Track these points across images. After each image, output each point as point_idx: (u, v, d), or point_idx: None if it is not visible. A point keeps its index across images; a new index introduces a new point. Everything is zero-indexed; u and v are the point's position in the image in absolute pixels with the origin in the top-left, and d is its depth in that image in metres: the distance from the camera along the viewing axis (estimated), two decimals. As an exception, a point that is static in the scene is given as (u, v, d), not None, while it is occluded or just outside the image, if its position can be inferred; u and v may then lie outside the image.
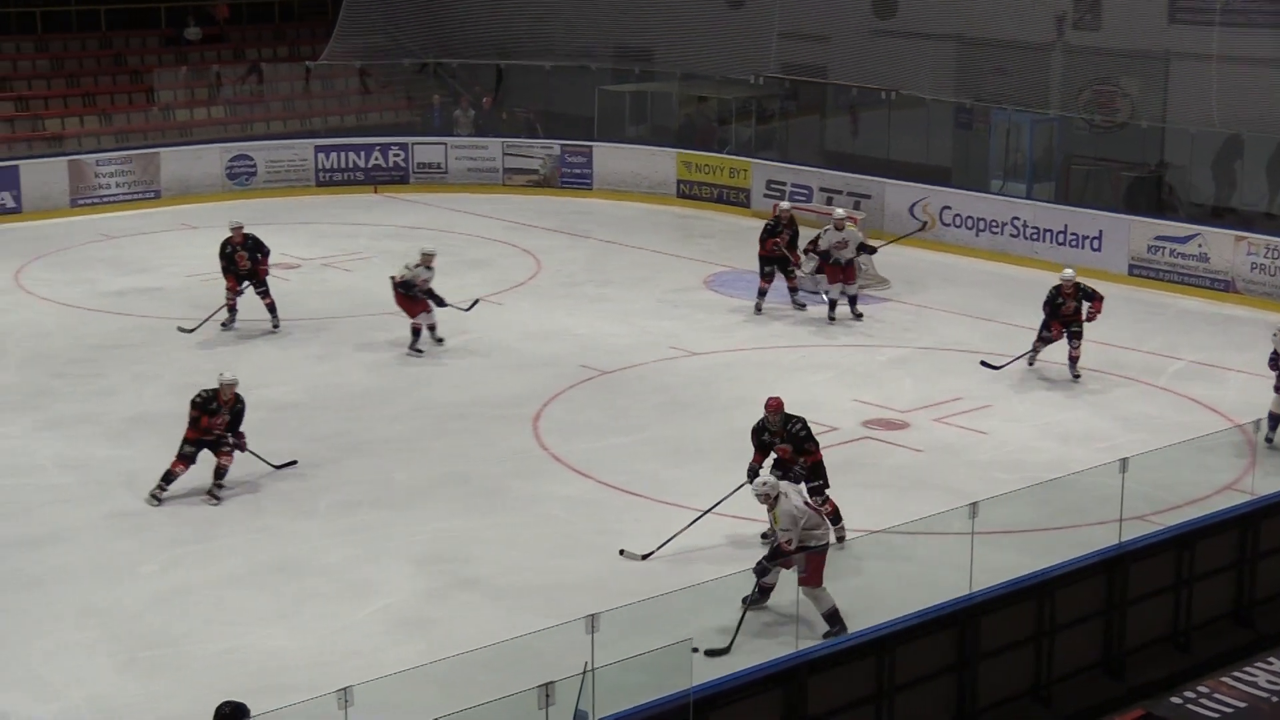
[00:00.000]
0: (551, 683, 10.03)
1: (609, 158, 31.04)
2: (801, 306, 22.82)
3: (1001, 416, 18.63)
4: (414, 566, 14.52)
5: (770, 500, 13.03)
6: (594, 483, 16.57)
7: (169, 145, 30.78)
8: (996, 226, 26.57)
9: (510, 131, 32.64)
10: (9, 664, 12.60)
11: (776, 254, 22.61)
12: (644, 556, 14.75)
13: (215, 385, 16.15)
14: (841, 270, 22.51)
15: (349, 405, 18.84)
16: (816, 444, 14.81)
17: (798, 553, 12.67)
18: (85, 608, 13.62)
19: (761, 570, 12.96)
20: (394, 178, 31.38)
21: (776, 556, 12.89)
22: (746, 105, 31.79)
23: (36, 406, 18.64)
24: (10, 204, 28.36)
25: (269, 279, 21.63)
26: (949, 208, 26.97)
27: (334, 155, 31.36)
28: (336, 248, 26.48)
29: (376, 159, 31.37)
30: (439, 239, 27.33)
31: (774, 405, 14.86)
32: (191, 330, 21.07)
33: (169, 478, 15.82)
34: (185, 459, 15.90)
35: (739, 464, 16.94)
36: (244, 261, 21.36)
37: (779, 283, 22.79)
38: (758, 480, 13.37)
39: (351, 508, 15.88)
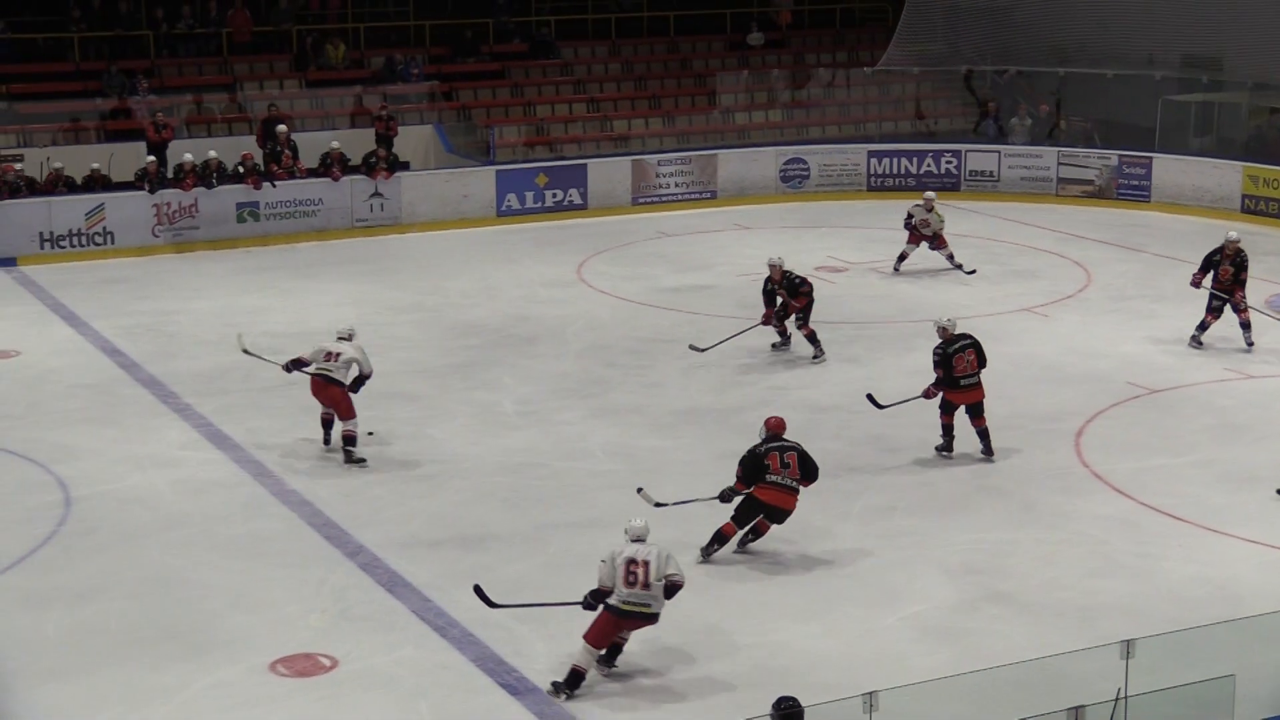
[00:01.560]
0: (1082, 706, 9.77)
1: (1169, 169, 29.95)
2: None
3: None
4: (946, 576, 14.42)
5: None
6: (1135, 503, 16.03)
7: (727, 147, 31.63)
8: None
9: (1067, 141, 31.97)
10: (554, 639, 13.09)
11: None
12: (656, 504, 14.79)
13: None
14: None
15: (887, 410, 18.83)
16: None
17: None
18: (626, 591, 14.11)
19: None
20: (945, 184, 31.21)
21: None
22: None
23: (591, 394, 19.47)
24: (577, 200, 29.77)
25: (805, 310, 20.69)
26: None
27: (886, 160, 31.49)
28: (884, 253, 26.54)
29: (929, 165, 31.30)
30: (988, 248, 27.08)
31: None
32: (704, 350, 20.78)
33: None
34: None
35: (1295, 495, 16.16)
36: (782, 295, 20.77)
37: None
38: None
39: (887, 512, 15.91)
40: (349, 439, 17.28)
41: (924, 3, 32.69)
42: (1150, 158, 30.30)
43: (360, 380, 17.41)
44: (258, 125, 29.37)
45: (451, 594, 13.98)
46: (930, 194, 25.93)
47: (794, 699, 9.97)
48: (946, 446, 17.38)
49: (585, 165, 30.20)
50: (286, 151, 27.98)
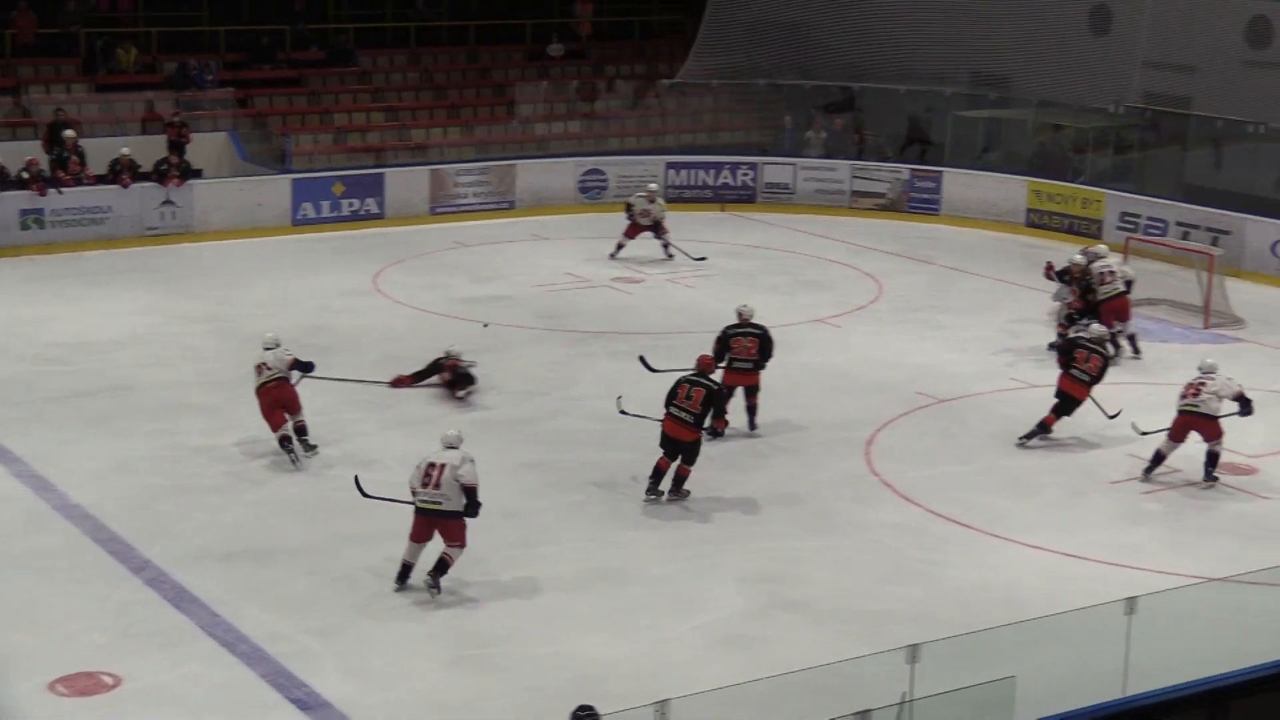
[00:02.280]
0: (869, 710, 9.93)
1: (958, 184, 30.64)
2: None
3: (1361, 468, 17.73)
4: (739, 584, 14.57)
5: None
6: (924, 511, 16.36)
7: (526, 158, 31.61)
8: (1367, 268, 25.33)
9: (860, 154, 32.53)
10: (345, 653, 13.09)
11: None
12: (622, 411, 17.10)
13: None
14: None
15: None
16: None
17: None
18: (420, 603, 14.04)
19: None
20: (741, 196, 31.57)
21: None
22: (1104, 135, 30.99)
23: (386, 406, 19.31)
24: (374, 209, 29.52)
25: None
26: (1316, 247, 25.79)
27: (684, 172, 31.73)
28: (681, 264, 26.76)
29: (725, 177, 31.61)
30: (780, 258, 27.44)
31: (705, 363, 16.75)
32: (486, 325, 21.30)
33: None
34: None
35: (1079, 500, 16.66)
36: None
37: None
38: None
39: (682, 522, 16.02)
40: (301, 429, 17.45)
41: (722, 17, 33.01)
42: (940, 172, 30.97)
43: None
44: (43, 130, 28.59)
45: (241, 608, 13.77)
46: (653, 186, 27.58)
47: (591, 707, 10.01)
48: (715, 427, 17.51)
49: (383, 174, 29.95)
50: (74, 157, 27.30)
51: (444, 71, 34.69)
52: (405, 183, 29.89)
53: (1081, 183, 29.80)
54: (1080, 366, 18.24)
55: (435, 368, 20.03)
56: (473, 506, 14.08)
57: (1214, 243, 25.84)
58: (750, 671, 12.28)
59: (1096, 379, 18.28)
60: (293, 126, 31.54)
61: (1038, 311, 24.02)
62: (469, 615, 13.86)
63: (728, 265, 26.84)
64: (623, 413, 17.34)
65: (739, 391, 18.33)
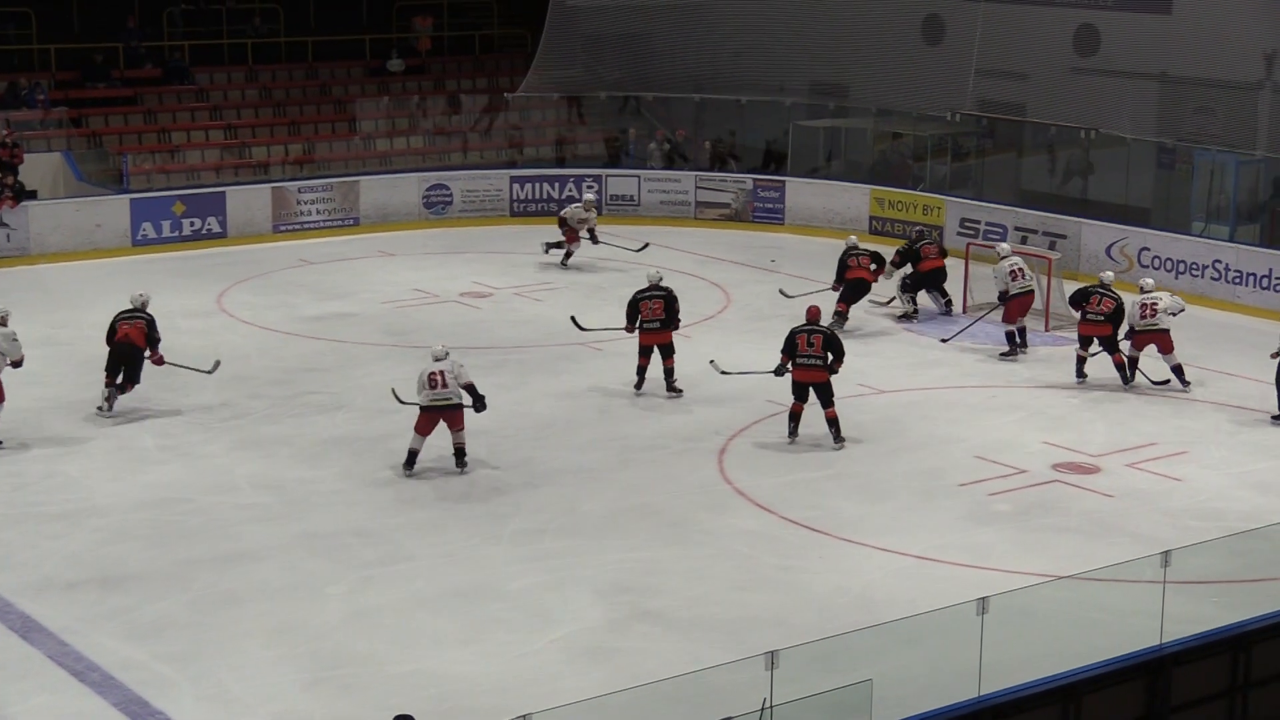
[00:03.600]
0: (730, 718, 10.00)
1: (801, 193, 30.98)
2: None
3: (1197, 464, 18.19)
4: (597, 596, 14.59)
5: None
6: (778, 518, 16.50)
7: (369, 174, 31.40)
8: (1197, 269, 25.99)
9: (704, 165, 32.76)
10: (201, 678, 12.90)
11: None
12: (722, 372, 19.79)
13: None
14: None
15: (536, 434, 19.01)
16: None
17: None
18: (276, 625, 13.90)
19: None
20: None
21: None
22: (942, 142, 31.52)
23: (235, 427, 19.07)
24: (216, 229, 29.14)
25: None
26: (1148, 249, 26.44)
27: (529, 186, 31.72)
28: (528, 278, 26.75)
29: (570, 190, 31.64)
30: (629, 271, 27.53)
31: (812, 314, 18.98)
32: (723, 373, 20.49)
33: None
34: None
35: (928, 503, 16.92)
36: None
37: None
38: None
39: (537, 535, 16.01)
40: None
41: (563, 30, 33.06)
42: (784, 181, 31.28)
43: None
44: None
45: (90, 637, 13.51)
46: (590, 196, 28.72)
47: (410, 717, 9.98)
48: (639, 385, 20.33)
49: (224, 193, 29.57)
50: (-98, 180, 26.62)
51: (283, 88, 34.35)
52: (247, 201, 29.54)
53: (922, 190, 30.28)
54: (1094, 309, 20.66)
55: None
56: (479, 400, 17.84)
57: (1051, 246, 26.38)
58: (611, 683, 12.30)
59: (1111, 317, 20.61)
60: (129, 146, 31.04)
61: (885, 319, 24.36)
62: (326, 636, 13.73)
63: (575, 278, 26.88)
64: (723, 373, 20.12)
65: (655, 355, 20.33)
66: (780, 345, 18.94)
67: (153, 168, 30.78)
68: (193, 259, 27.95)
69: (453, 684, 12.91)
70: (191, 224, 28.85)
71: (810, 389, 18.58)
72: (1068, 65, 29.76)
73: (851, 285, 23.65)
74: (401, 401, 18.31)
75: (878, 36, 31.41)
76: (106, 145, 31.04)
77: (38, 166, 29.35)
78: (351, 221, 30.36)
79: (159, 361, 19.86)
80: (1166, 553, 12.22)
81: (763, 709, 10.24)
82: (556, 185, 31.62)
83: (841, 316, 23.36)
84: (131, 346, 19.56)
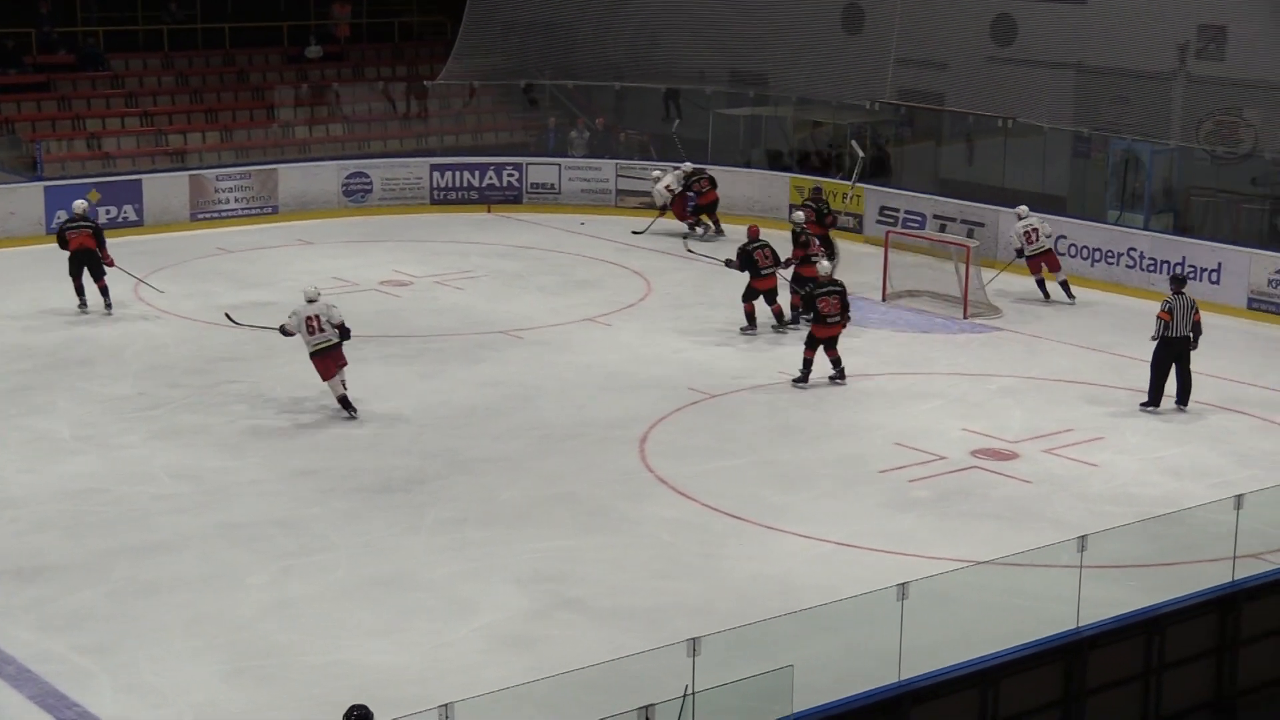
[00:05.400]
0: (652, 705, 10.04)
1: (722, 181, 31.01)
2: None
3: (1113, 449, 18.40)
4: (517, 585, 14.58)
5: None
6: (699, 506, 16.55)
7: (287, 162, 31.18)
8: (1112, 257, 26.27)
9: (624, 153, 32.76)
10: (120, 670, 12.80)
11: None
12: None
13: None
14: None
15: (456, 423, 18.96)
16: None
17: None
18: (195, 616, 13.80)
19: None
20: (508, 197, 31.57)
21: None
22: (861, 131, 31.68)
23: (152, 417, 18.92)
24: (132, 217, 28.84)
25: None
26: (1064, 237, 26.68)
27: (449, 174, 31.61)
28: (449, 266, 26.67)
29: (491, 178, 31.57)
30: (549, 258, 27.53)
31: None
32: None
33: None
34: None
35: (849, 490, 17.04)
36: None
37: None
38: None
39: (457, 525, 15.98)
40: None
41: (482, 18, 32.94)
42: (704, 169, 31.23)
43: None
44: None
45: (5, 629, 13.36)
46: (688, 165, 29.71)
47: (364, 706, 9.98)
48: (803, 379, 20.43)
49: (140, 181, 29.27)
50: None
51: (200, 75, 34.06)
52: (164, 189, 29.26)
53: (841, 178, 30.41)
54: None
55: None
56: (346, 332, 18.89)
57: (969, 235, 26.58)
58: (533, 671, 12.29)
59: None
60: (43, 133, 30.67)
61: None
62: (246, 627, 13.65)
63: (496, 266, 26.84)
64: (690, 250, 25.83)
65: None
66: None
67: (67, 155, 30.43)
68: (109, 247, 27.61)
69: (374, 674, 12.87)
70: (107, 212, 28.50)
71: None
72: (986, 54, 29.98)
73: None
74: (235, 323, 19.68)
75: (798, 25, 31.50)
76: (19, 132, 30.64)
77: (-52, 154, 28.99)
78: (270, 210, 30.15)
79: (110, 261, 23.28)
80: (1083, 537, 12.36)
81: (684, 696, 10.27)
82: (477, 173, 31.52)
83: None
84: (88, 251, 23.13)
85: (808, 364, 20.38)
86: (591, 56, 33.20)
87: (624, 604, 14.25)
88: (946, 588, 12.99)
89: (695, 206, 29.09)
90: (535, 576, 14.76)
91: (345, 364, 19.00)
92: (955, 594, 13.25)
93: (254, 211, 29.97)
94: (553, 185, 31.68)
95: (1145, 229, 26.89)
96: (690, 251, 26.27)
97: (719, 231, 29.02)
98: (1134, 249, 26.07)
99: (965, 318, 23.97)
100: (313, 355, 18.84)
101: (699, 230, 29.12)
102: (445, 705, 9.75)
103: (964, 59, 30.12)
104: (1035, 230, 25.05)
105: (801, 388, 20.27)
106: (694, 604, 14.18)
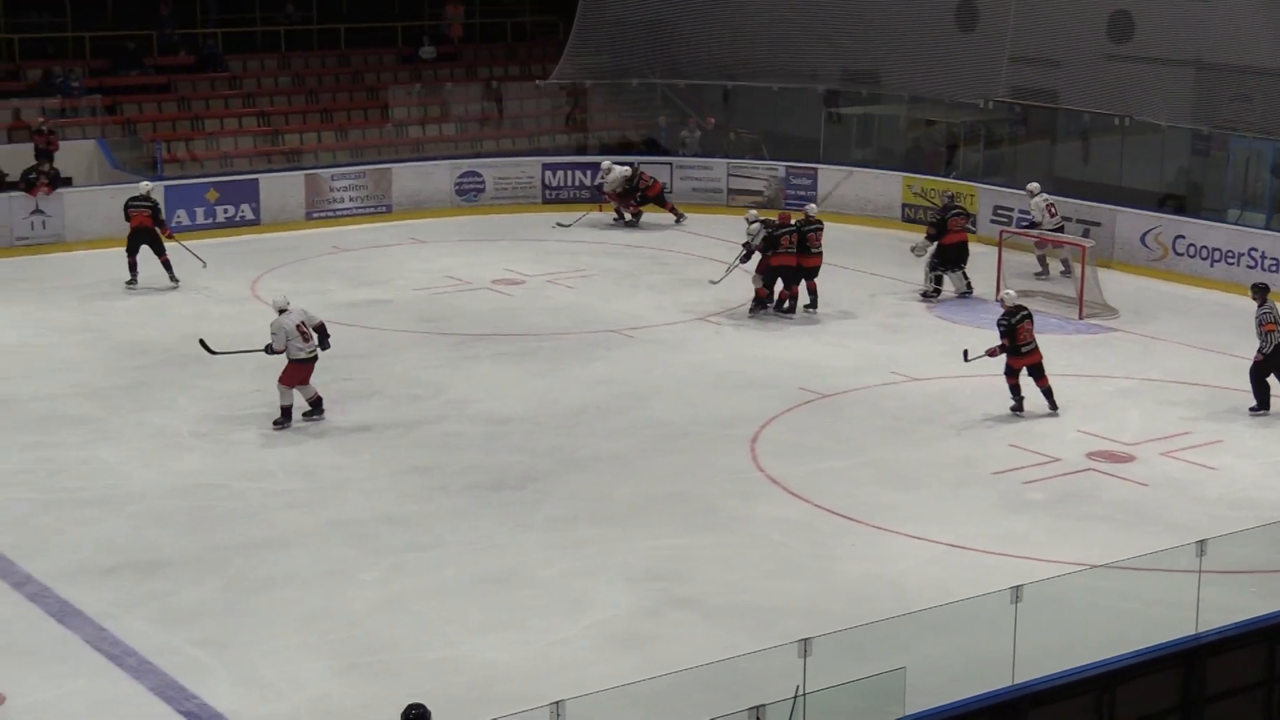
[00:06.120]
0: (763, 706, 9.98)
1: (833, 180, 30.88)
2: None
3: (1233, 453, 18.10)
4: (628, 583, 14.58)
5: None
6: (810, 506, 16.48)
7: (401, 161, 31.43)
8: (1232, 257, 25.85)
9: (735, 153, 32.70)
10: (235, 664, 12.95)
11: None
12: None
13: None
14: None
15: (568, 421, 19.01)
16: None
17: None
18: (308, 612, 13.93)
19: None
20: (619, 196, 31.57)
21: None
22: (975, 129, 31.40)
23: (268, 413, 19.11)
24: (249, 216, 29.22)
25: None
26: (1183, 237, 26.30)
27: (560, 173, 31.71)
28: (561, 265, 26.76)
29: (602, 177, 31.58)
30: (660, 257, 27.54)
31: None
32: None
33: None
34: None
35: (962, 491, 16.88)
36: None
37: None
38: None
39: (569, 523, 16.02)
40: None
41: (594, 17, 33.03)
42: (815, 169, 31.19)
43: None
44: (-93, 140, 28.04)
45: (127, 622, 13.57)
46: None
47: (422, 705, 10.02)
48: (1019, 406, 19.41)
49: (257, 180, 29.65)
50: (-61, 167, 26.83)
51: (315, 75, 34.42)
52: (280, 188, 29.62)
53: (954, 177, 30.17)
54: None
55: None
56: (326, 339, 18.76)
57: (1085, 234, 26.26)
58: (643, 670, 12.29)
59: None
60: (163, 133, 31.14)
61: (917, 305, 24.37)
62: (358, 623, 13.76)
63: (607, 265, 26.89)
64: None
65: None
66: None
67: (186, 155, 30.87)
68: (226, 246, 28.03)
69: (484, 671, 12.93)
70: (225, 211, 28.93)
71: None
72: (1102, 52, 29.59)
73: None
74: (212, 351, 19.29)
75: (910, 22, 31.28)
76: (140, 133, 31.13)
77: (72, 154, 29.47)
78: (384, 209, 30.41)
79: (169, 234, 25.15)
80: (1202, 541, 12.17)
81: (795, 697, 10.22)
82: (588, 172, 31.58)
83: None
84: (146, 230, 24.77)
85: (1014, 390, 19.39)
86: (702, 56, 33.16)
87: (734, 603, 14.21)
88: (1061, 591, 12.84)
89: (643, 198, 29.95)
90: (646, 575, 14.76)
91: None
92: (1070, 597, 13.09)
93: (368, 210, 30.23)
94: (664, 185, 31.65)
95: (1266, 229, 26.42)
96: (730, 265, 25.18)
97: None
98: (1254, 249, 25.62)
99: (1081, 318, 23.69)
100: (296, 362, 18.50)
101: (626, 216, 30.06)
102: (556, 703, 9.77)
103: (1079, 56, 29.74)
104: (1054, 205, 25.94)
105: (1020, 415, 19.26)
106: (804, 604, 14.13)
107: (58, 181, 27.66)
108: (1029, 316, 19.48)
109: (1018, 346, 19.29)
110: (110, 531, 15.62)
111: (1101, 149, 30.99)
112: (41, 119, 29.29)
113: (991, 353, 19.42)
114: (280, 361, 18.70)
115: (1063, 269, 25.82)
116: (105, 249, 26.97)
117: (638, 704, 11.24)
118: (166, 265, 24.95)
